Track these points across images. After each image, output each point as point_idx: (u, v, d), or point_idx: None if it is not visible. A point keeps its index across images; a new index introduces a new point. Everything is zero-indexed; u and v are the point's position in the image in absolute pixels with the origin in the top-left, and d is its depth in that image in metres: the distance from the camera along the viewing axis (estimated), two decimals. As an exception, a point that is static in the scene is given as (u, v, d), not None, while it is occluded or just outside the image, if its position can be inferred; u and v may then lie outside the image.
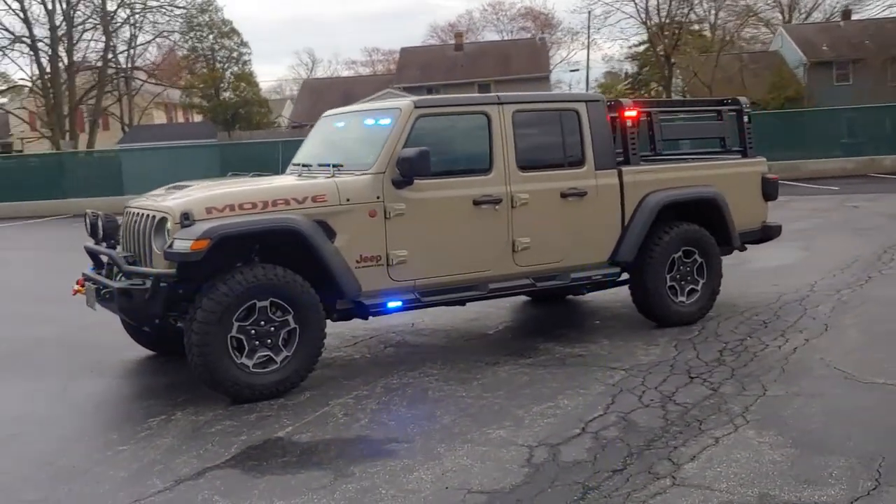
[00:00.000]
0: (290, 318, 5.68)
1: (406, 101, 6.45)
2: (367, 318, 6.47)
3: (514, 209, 6.52)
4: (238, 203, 5.72)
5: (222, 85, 33.95)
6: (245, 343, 5.55)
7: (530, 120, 6.79)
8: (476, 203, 6.39)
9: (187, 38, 37.23)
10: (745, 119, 7.91)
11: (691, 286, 7.33)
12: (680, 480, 4.08)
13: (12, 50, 33.05)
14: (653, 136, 7.47)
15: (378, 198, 6.07)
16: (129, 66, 38.30)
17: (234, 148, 29.29)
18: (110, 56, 35.76)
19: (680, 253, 7.24)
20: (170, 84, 38.49)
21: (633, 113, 7.27)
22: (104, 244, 6.21)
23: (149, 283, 5.53)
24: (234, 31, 37.64)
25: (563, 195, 6.74)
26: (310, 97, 49.36)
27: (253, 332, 5.57)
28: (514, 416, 5.13)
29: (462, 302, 6.74)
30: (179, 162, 26.17)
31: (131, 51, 39.17)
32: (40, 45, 33.42)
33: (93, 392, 6.12)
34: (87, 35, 34.73)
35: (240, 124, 31.76)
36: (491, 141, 6.50)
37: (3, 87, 35.14)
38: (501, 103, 6.60)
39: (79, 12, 33.95)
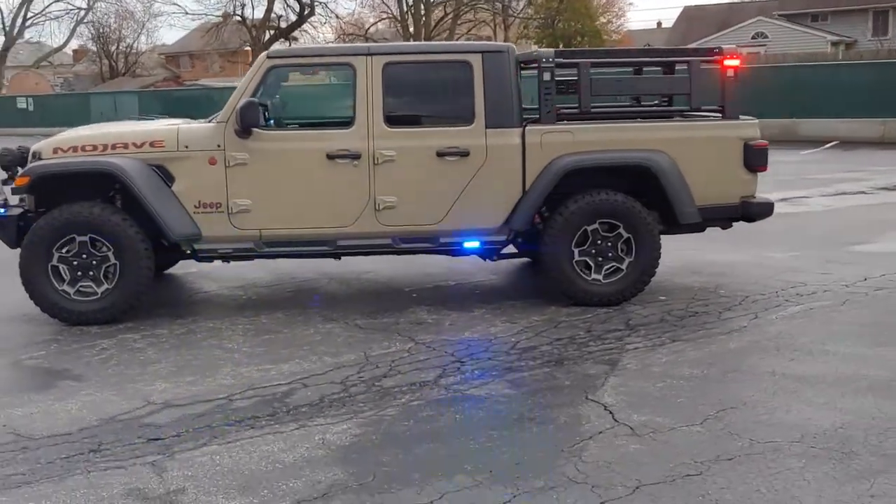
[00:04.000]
0: (110, 253, 6.18)
1: (263, 54, 6.47)
2: (228, 262, 6.75)
3: (376, 166, 6.28)
4: (81, 145, 6.31)
5: (559, 15, 33.85)
6: (66, 272, 6.18)
7: (407, 73, 6.41)
8: (330, 157, 6.27)
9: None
10: (730, 73, 6.58)
11: (613, 264, 6.46)
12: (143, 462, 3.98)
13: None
14: (578, 92, 6.54)
15: (219, 146, 6.26)
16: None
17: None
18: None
19: (595, 225, 6.40)
20: (516, 15, 39.49)
21: (550, 65, 6.44)
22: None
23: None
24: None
25: (440, 154, 6.32)
26: (685, 25, 47.38)
27: (75, 262, 6.17)
28: (212, 368, 5.22)
29: (337, 256, 6.68)
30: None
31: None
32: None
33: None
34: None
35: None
36: (355, 94, 6.29)
37: (375, 21, 38.87)
38: (371, 54, 6.32)
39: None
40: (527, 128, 6.39)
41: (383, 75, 6.28)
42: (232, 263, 7.08)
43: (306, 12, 37.33)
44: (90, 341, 5.87)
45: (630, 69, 7.56)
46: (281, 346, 5.68)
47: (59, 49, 51.52)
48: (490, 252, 6.68)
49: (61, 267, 6.15)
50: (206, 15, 39.29)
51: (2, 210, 6.35)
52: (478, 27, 40.71)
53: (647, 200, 6.56)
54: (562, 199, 6.41)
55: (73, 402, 4.75)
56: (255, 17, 39.31)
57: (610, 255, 6.45)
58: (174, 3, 43.06)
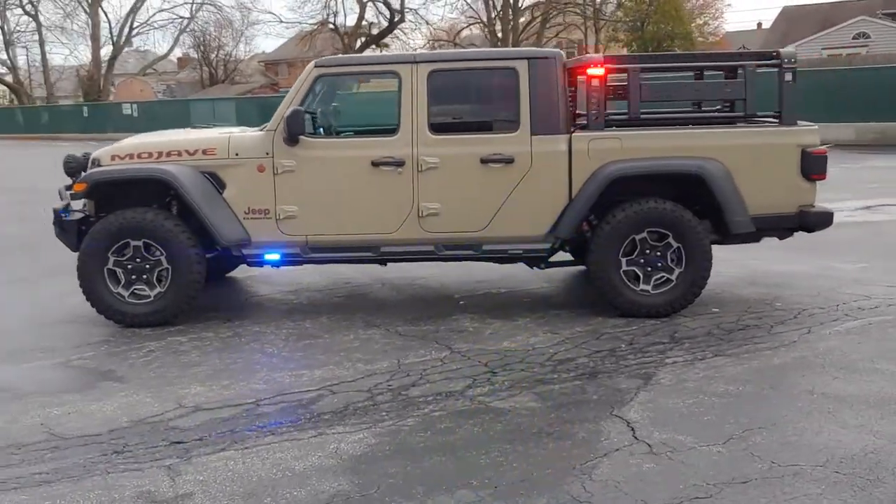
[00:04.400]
0: (162, 258, 6.36)
1: (311, 63, 6.55)
2: (278, 267, 6.85)
3: (420, 173, 6.30)
4: (138, 153, 6.52)
5: (648, 18, 32.97)
6: (122, 275, 6.38)
7: (452, 80, 6.41)
8: (375, 164, 6.31)
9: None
10: (788, 77, 6.34)
11: (662, 274, 6.31)
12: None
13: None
14: (628, 97, 6.40)
15: (267, 154, 6.38)
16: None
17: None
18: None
19: (644, 234, 6.26)
20: (608, 18, 38.87)
21: (599, 71, 6.33)
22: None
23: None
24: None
25: (484, 161, 6.29)
26: (785, 25, 45.89)
27: (129, 266, 6.37)
28: (248, 373, 5.30)
29: (382, 262, 6.72)
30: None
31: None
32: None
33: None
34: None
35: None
36: (400, 101, 6.33)
37: (463, 26, 38.92)
38: (416, 62, 6.34)
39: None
40: (573, 134, 6.30)
41: (428, 83, 6.29)
42: (288, 268, 7.17)
43: (396, 19, 37.71)
44: (139, 343, 6.04)
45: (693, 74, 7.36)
46: (319, 352, 5.73)
47: (163, 57, 53.48)
48: (537, 260, 6.60)
49: (117, 270, 6.34)
50: (299, 23, 40.05)
51: (64, 214, 6.58)
52: (568, 30, 40.43)
53: (699, 209, 6.38)
54: (611, 207, 6.30)
55: (110, 403, 4.90)
56: (346, 24, 39.95)
57: (659, 264, 6.29)
58: (269, 13, 43.81)
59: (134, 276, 6.37)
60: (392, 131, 6.36)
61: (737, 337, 5.80)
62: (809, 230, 6.46)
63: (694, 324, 6.14)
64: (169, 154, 6.44)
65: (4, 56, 50.67)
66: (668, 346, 5.64)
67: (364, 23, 38.90)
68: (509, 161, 6.26)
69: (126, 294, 6.38)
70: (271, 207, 6.38)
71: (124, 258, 6.36)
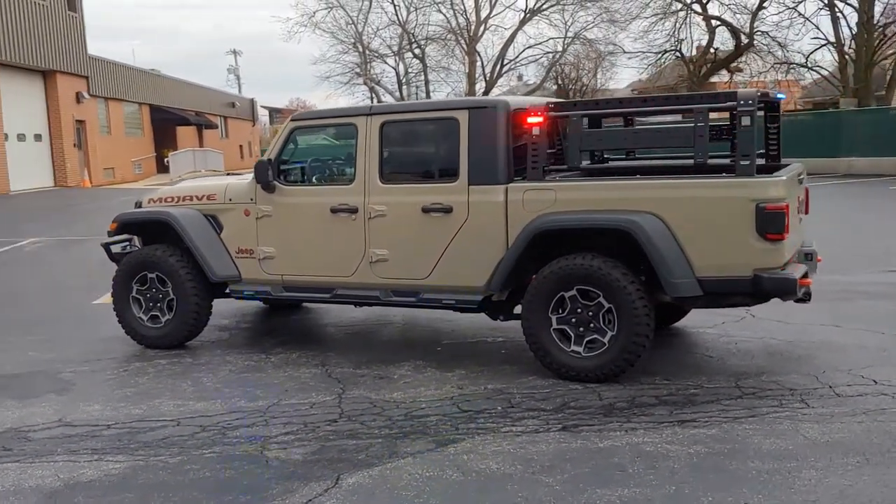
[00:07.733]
0: (170, 289, 7.26)
1: (290, 117, 7.04)
2: (266, 303, 7.42)
3: (370, 220, 6.54)
4: (165, 197, 7.52)
5: None
6: (143, 303, 7.40)
7: (402, 130, 6.55)
8: (334, 211, 6.68)
9: None
10: (746, 122, 5.54)
11: (594, 335, 5.87)
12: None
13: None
14: (563, 146, 5.99)
15: (251, 199, 7.03)
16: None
17: None
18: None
19: (573, 292, 5.88)
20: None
21: (536, 119, 6.04)
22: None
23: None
24: None
25: (425, 210, 6.35)
26: None
27: (148, 295, 7.36)
28: (155, 398, 5.90)
29: (357, 304, 7.03)
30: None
31: None
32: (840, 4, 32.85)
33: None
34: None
35: None
36: (356, 151, 6.62)
37: (815, 48, 35.50)
38: (371, 114, 6.58)
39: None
40: (509, 185, 6.10)
41: (380, 133, 6.48)
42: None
43: (744, 43, 35.92)
44: (131, 363, 6.96)
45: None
46: (234, 386, 6.18)
47: (535, 90, 56.06)
48: (495, 312, 6.45)
49: (140, 298, 7.35)
50: (643, 53, 39.76)
51: (117, 248, 7.77)
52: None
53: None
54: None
55: (21, 411, 5.78)
56: (692, 51, 38.97)
57: (591, 325, 5.84)
58: (612, 44, 43.67)
59: (151, 304, 7.33)
60: (350, 180, 6.65)
61: (626, 414, 5.24)
62: (765, 297, 5.56)
63: (611, 393, 5.62)
64: (184, 199, 7.33)
65: (398, 95, 56.70)
66: (534, 415, 5.27)
67: (711, 49, 37.60)
68: (448, 210, 6.23)
69: (145, 318, 7.36)
70: (254, 248, 6.99)
71: (143, 287, 7.35)
